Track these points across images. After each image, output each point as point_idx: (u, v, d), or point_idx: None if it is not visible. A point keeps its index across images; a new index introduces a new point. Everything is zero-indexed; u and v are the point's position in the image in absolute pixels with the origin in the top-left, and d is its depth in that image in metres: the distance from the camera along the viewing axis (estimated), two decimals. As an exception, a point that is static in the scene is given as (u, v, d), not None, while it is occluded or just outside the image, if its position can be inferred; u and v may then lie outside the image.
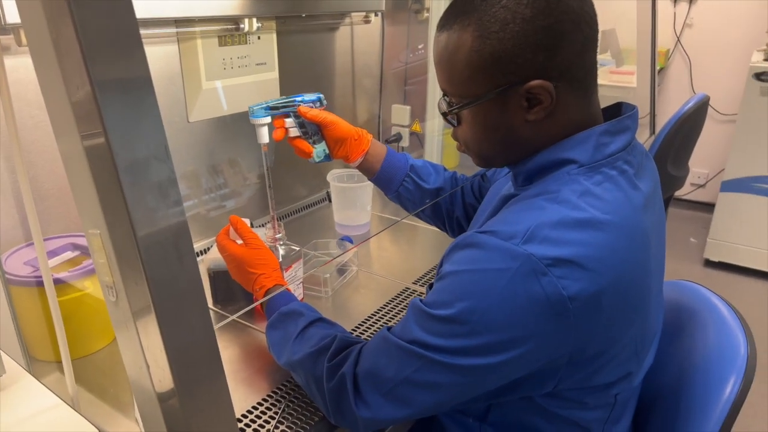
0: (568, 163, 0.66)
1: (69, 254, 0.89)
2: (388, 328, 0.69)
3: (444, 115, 0.72)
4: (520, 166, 0.70)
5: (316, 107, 0.96)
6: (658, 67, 2.68)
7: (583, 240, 0.59)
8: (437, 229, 1.07)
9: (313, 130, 0.96)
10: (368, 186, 1.33)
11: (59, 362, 0.79)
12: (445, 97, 0.71)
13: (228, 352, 0.92)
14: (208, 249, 1.10)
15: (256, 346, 0.95)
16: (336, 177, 1.35)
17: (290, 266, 0.98)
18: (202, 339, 0.53)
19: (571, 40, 0.63)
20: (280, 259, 0.96)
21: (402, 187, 1.01)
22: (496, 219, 0.66)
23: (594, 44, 0.66)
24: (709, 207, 3.08)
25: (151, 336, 0.50)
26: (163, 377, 0.50)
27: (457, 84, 0.67)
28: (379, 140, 1.69)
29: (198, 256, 1.22)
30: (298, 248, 1.00)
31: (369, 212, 1.38)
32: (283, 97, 0.96)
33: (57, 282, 0.80)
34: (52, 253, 0.87)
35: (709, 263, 2.84)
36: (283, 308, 0.80)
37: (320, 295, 1.09)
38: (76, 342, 0.85)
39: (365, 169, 1.01)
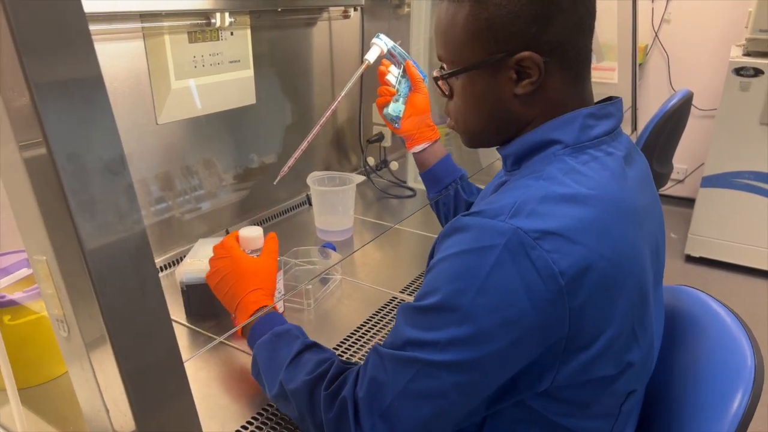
0: (553, 144, 0.66)
1: (25, 271, 0.81)
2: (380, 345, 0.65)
3: (436, 80, 0.74)
4: (507, 148, 0.71)
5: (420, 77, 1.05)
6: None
7: (569, 213, 0.58)
8: (424, 234, 1.04)
9: (404, 91, 1.04)
10: (350, 189, 1.27)
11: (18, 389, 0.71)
12: (442, 65, 0.73)
13: (202, 374, 0.86)
14: (181, 259, 1.03)
15: (233, 366, 0.88)
16: (316, 180, 1.28)
17: (270, 279, 0.92)
18: (170, 377, 0.46)
19: (566, 16, 0.64)
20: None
21: (446, 189, 1.07)
22: (483, 201, 0.65)
23: (589, 29, 0.67)
24: (688, 202, 3.09)
25: (109, 376, 0.43)
26: (124, 423, 0.44)
27: (452, 50, 0.69)
28: (360, 140, 1.65)
29: (169, 267, 1.15)
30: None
31: (352, 216, 1.32)
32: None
33: (10, 304, 0.73)
34: (4, 272, 0.80)
35: (690, 259, 2.85)
36: (278, 328, 0.75)
37: (302, 308, 1.03)
38: (33, 368, 0.77)
39: (421, 160, 1.08)
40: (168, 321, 0.45)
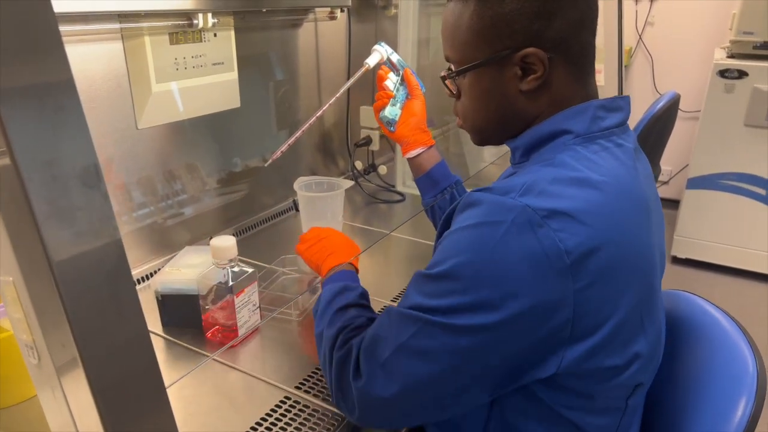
0: (564, 134, 0.67)
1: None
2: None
3: (443, 79, 0.75)
4: (517, 139, 0.72)
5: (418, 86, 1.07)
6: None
7: (580, 195, 0.59)
8: (415, 240, 1.02)
9: (401, 97, 1.06)
10: (339, 194, 1.23)
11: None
12: (450, 66, 0.74)
13: (187, 391, 0.82)
14: (158, 270, 0.98)
15: (221, 382, 0.84)
16: (303, 185, 1.24)
17: (242, 290, 0.88)
18: (149, 401, 0.43)
19: (568, 13, 0.65)
20: (231, 283, 0.86)
21: (441, 194, 1.07)
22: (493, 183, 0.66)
23: (592, 26, 0.69)
24: (673, 204, 3.10)
25: (83, 405, 0.40)
26: (101, 457, 0.40)
27: (459, 49, 0.70)
28: (347, 144, 1.62)
29: (150, 278, 1.10)
30: (251, 270, 0.90)
31: (341, 222, 1.28)
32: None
33: (-20, 321, 0.69)
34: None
35: (676, 260, 2.86)
36: (349, 284, 0.83)
37: (290, 318, 0.99)
38: (5, 389, 0.73)
39: (417, 165, 1.08)
40: (147, 343, 0.42)
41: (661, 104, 1.85)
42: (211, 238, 1.22)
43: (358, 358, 0.67)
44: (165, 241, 1.15)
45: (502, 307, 0.58)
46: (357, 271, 0.91)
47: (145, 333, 0.42)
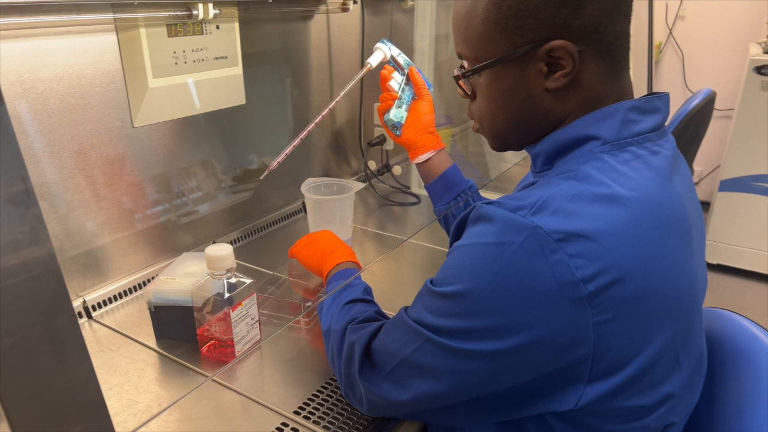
0: (590, 140, 0.59)
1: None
2: (407, 308, 0.65)
3: (456, 79, 0.67)
4: (538, 146, 0.64)
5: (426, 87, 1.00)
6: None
7: (603, 214, 0.52)
8: (430, 246, 0.95)
9: (407, 98, 0.99)
10: (348, 198, 1.16)
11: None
12: (462, 64, 0.66)
13: (176, 415, 0.75)
14: (153, 278, 0.92)
15: (217, 403, 0.77)
16: (311, 187, 1.18)
17: (239, 303, 0.81)
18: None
19: None
20: (227, 295, 0.80)
21: (455, 201, 1.00)
22: (507, 196, 0.60)
23: (628, 10, 0.60)
24: (704, 206, 2.96)
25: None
26: None
27: (473, 43, 0.62)
28: (360, 143, 1.55)
29: (135, 290, 1.03)
30: (249, 281, 0.83)
31: (350, 227, 1.21)
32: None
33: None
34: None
35: (707, 266, 2.73)
36: (355, 280, 0.82)
37: (299, 326, 0.93)
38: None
39: (426, 170, 1.00)
40: (94, 388, 0.35)
41: (695, 102, 1.74)
42: (213, 242, 1.16)
43: (366, 355, 0.66)
44: (166, 245, 1.09)
45: (506, 336, 0.53)
46: (360, 268, 0.90)
47: (91, 377, 0.35)
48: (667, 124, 0.64)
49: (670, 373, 0.57)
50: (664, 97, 0.63)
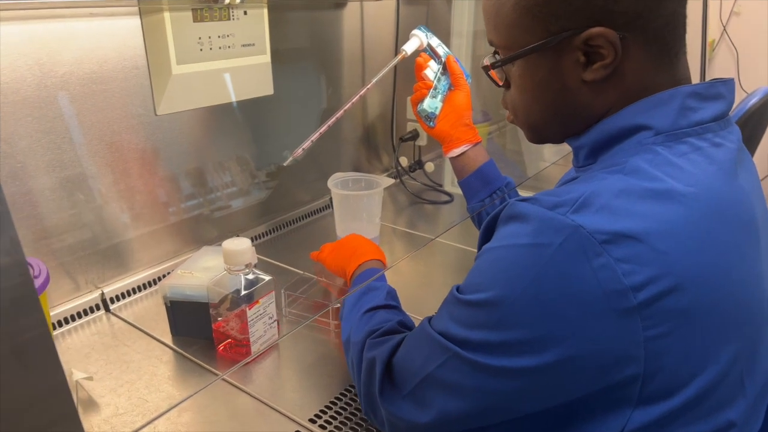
0: (640, 130, 0.52)
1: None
2: (430, 318, 0.59)
3: (486, 70, 0.63)
4: (581, 138, 0.58)
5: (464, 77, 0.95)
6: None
7: (656, 212, 0.46)
8: (462, 247, 0.89)
9: (443, 88, 0.93)
10: (376, 194, 1.11)
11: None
12: (495, 54, 0.62)
13: (186, 416, 0.71)
14: (169, 272, 0.88)
15: (229, 405, 0.74)
16: (339, 182, 1.13)
17: (256, 301, 0.77)
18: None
19: None
20: (244, 292, 0.76)
21: (490, 199, 0.94)
22: (544, 191, 0.53)
23: None
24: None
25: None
26: None
27: (505, 32, 0.57)
28: (392, 138, 1.49)
29: (155, 283, 1.00)
30: (267, 278, 0.79)
31: (378, 224, 1.16)
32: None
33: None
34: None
35: None
36: (377, 282, 0.77)
37: (328, 328, 0.88)
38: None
39: (460, 165, 0.95)
40: (67, 402, 0.31)
41: (752, 101, 1.62)
42: (237, 236, 1.13)
43: (386, 373, 0.60)
44: (188, 238, 1.06)
45: (542, 351, 0.47)
46: (385, 267, 0.85)
47: (63, 389, 0.30)
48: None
49: (733, 398, 0.50)
50: (729, 83, 0.56)
